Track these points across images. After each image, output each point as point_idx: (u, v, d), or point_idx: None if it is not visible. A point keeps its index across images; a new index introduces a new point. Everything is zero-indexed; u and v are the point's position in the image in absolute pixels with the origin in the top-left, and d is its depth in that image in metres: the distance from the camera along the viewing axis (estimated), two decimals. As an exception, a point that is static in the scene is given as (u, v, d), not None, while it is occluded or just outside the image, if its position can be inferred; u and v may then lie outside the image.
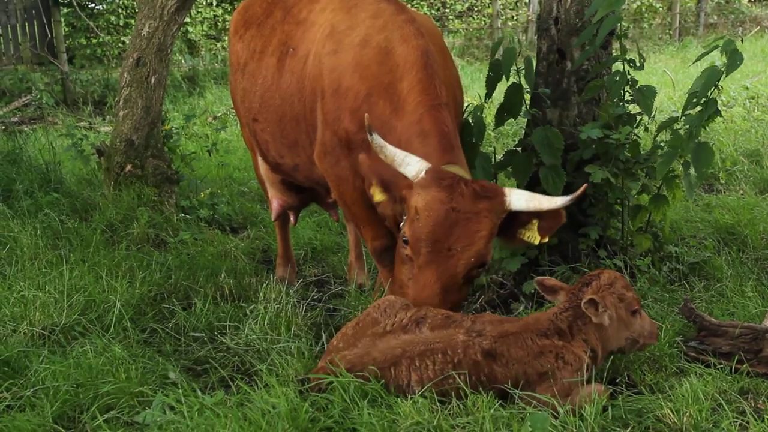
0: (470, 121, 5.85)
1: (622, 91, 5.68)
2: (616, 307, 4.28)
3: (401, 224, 4.89)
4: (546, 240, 4.81)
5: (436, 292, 4.70)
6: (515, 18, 24.50)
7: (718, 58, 5.57)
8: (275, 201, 6.65)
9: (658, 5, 24.19)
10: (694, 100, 5.47)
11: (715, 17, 24.52)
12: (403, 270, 4.85)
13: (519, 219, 4.77)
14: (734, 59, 5.27)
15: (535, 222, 4.78)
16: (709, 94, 5.40)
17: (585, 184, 4.77)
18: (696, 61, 5.78)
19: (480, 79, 18.40)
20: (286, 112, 5.80)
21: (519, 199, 4.71)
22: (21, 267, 6.28)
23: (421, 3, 23.86)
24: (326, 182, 5.72)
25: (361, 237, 6.04)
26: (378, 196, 4.90)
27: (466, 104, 6.07)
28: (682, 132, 5.60)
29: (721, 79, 5.35)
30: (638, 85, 5.68)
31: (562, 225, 4.84)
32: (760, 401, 4.17)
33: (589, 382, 4.18)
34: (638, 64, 5.71)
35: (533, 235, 4.79)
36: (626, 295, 4.32)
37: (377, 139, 4.67)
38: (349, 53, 5.31)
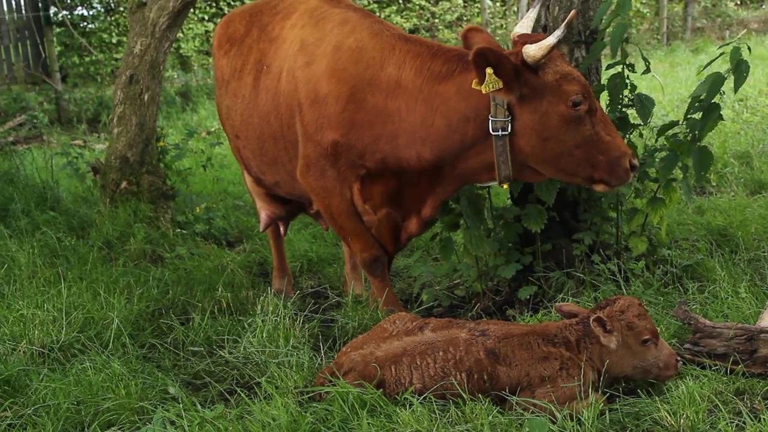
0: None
1: (621, 96, 5.70)
2: (624, 334, 4.24)
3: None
4: None
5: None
6: (504, 27, 24.52)
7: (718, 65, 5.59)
8: (263, 212, 6.63)
9: (645, 11, 24.21)
10: (696, 104, 5.50)
11: (703, 21, 24.55)
12: (583, 128, 4.83)
13: None
14: (741, 70, 5.30)
15: None
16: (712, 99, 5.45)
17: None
18: (704, 69, 5.78)
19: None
20: (264, 130, 5.80)
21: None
22: (19, 286, 6.29)
23: (411, 14, 23.88)
24: (308, 196, 5.75)
25: (350, 249, 6.06)
26: (492, 83, 4.71)
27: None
28: (681, 136, 5.62)
29: (722, 86, 5.39)
30: (637, 92, 5.70)
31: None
32: (756, 401, 4.17)
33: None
34: (642, 68, 5.70)
35: None
36: (637, 324, 4.23)
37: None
38: (322, 62, 5.33)
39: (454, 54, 5.12)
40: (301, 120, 5.38)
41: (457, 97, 4.97)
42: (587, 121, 4.82)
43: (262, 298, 5.77)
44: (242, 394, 4.50)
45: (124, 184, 8.15)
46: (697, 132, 5.51)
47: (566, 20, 4.65)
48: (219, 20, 21.27)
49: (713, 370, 4.43)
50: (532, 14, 5.18)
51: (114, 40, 20.39)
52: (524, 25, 5.11)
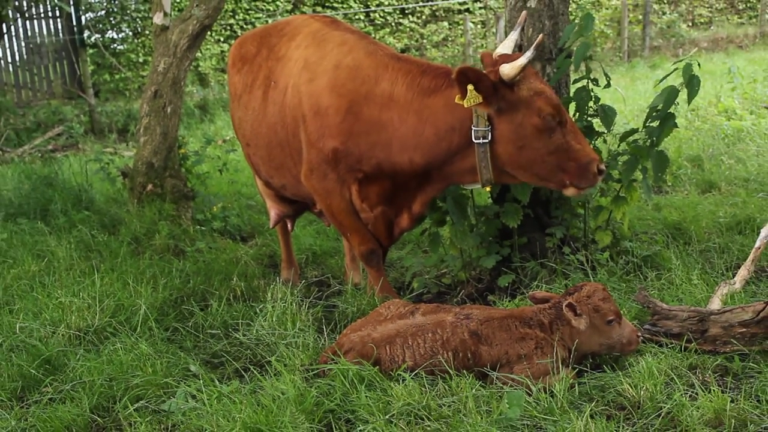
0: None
1: (587, 107, 5.71)
2: (591, 316, 4.25)
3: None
4: None
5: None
6: (484, 46, 24.52)
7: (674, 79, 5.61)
8: (273, 210, 6.63)
9: (608, 31, 24.23)
10: (654, 114, 5.52)
11: (660, 40, 24.57)
12: (555, 137, 4.83)
13: None
14: (693, 84, 5.34)
15: None
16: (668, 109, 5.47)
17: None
18: (660, 81, 5.78)
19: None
20: (272, 138, 5.80)
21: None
22: (58, 277, 6.28)
23: (402, 35, 23.88)
24: (311, 197, 5.74)
25: (349, 243, 6.06)
26: (473, 98, 4.72)
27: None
28: (641, 142, 5.63)
29: (676, 98, 5.41)
30: (600, 103, 5.70)
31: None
32: (707, 375, 4.17)
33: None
34: (604, 83, 5.70)
35: None
36: (602, 306, 4.25)
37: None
38: (323, 78, 5.32)
39: (442, 71, 5.11)
40: (305, 129, 5.37)
41: (444, 110, 4.96)
42: (558, 131, 4.82)
43: (272, 286, 5.75)
44: (255, 372, 4.50)
45: (149, 186, 8.14)
46: (654, 138, 5.53)
47: (535, 43, 4.66)
48: (233, 41, 21.30)
49: (669, 347, 4.43)
50: (513, 36, 5.17)
51: (141, 60, 20.39)
52: (506, 45, 5.11)
